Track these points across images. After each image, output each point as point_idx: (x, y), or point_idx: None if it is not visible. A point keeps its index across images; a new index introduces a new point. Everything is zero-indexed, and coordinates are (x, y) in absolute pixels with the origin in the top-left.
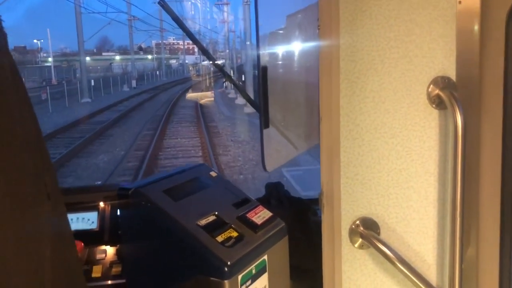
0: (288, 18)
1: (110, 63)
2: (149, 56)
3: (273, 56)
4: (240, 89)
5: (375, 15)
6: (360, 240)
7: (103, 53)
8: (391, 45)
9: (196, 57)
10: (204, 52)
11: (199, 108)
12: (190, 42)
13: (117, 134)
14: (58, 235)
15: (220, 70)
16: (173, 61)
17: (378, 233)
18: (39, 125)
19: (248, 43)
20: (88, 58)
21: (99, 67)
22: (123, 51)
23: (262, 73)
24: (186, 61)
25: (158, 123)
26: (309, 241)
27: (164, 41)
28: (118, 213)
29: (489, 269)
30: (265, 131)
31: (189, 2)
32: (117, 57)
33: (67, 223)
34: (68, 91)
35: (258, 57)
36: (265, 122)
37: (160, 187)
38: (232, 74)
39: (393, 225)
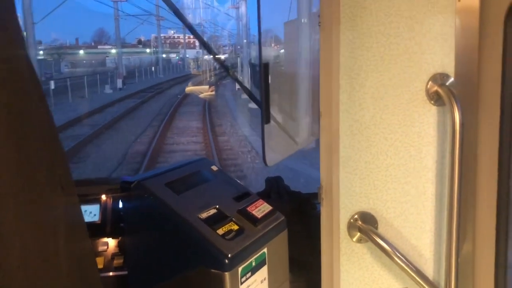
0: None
1: (106, 57)
2: (147, 50)
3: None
4: (242, 84)
5: (375, 11)
6: (358, 234)
7: (99, 47)
8: (390, 42)
9: (197, 51)
10: (205, 46)
11: (212, 142)
12: (191, 35)
13: None
14: (72, 226)
15: (222, 66)
16: (173, 56)
17: (376, 227)
18: (53, 118)
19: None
20: (81, 52)
21: (93, 61)
22: (121, 44)
23: (263, 69)
24: (187, 56)
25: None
26: (308, 235)
27: (163, 35)
28: (121, 205)
29: (485, 264)
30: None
31: None
32: (113, 51)
33: (80, 214)
34: None
35: (260, 54)
36: (266, 117)
37: (163, 180)
38: (249, 74)
39: (391, 220)
